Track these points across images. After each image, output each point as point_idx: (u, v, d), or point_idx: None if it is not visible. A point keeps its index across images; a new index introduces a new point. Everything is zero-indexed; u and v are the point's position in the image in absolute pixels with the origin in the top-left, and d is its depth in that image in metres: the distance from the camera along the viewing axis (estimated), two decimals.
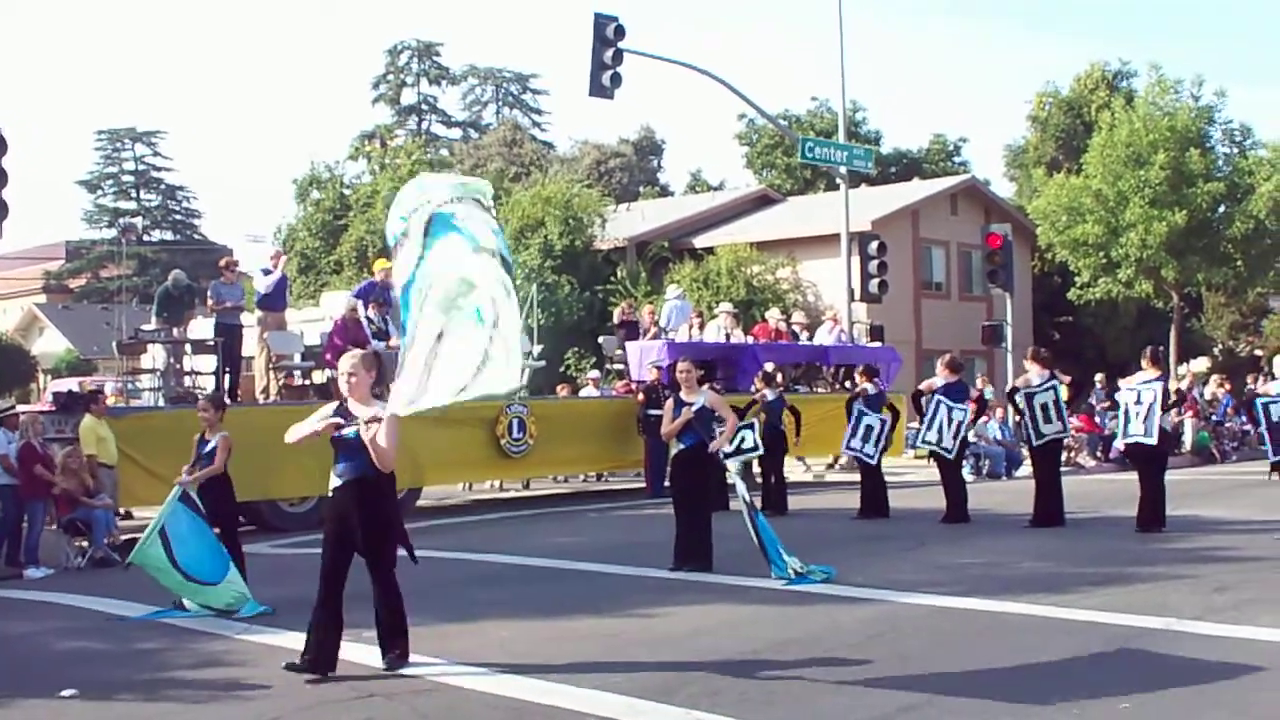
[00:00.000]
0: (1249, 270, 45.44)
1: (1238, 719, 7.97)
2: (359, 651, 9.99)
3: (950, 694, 8.54)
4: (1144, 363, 17.70)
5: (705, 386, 15.57)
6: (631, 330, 27.39)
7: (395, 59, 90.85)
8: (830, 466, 30.38)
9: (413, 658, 9.70)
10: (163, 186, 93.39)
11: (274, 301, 22.44)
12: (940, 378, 19.59)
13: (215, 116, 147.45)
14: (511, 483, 28.16)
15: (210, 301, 21.87)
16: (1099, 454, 31.31)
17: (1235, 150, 45.72)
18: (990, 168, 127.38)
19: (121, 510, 19.52)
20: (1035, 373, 18.35)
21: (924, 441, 19.60)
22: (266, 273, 22.62)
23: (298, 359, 23.36)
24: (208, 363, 21.54)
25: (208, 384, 21.52)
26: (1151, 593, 12.24)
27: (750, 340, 29.06)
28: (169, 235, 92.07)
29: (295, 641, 10.42)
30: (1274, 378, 16.63)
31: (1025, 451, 24.99)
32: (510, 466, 23.84)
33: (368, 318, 21.94)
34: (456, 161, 63.03)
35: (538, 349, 27.79)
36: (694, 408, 14.47)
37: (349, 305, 22.17)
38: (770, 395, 21.63)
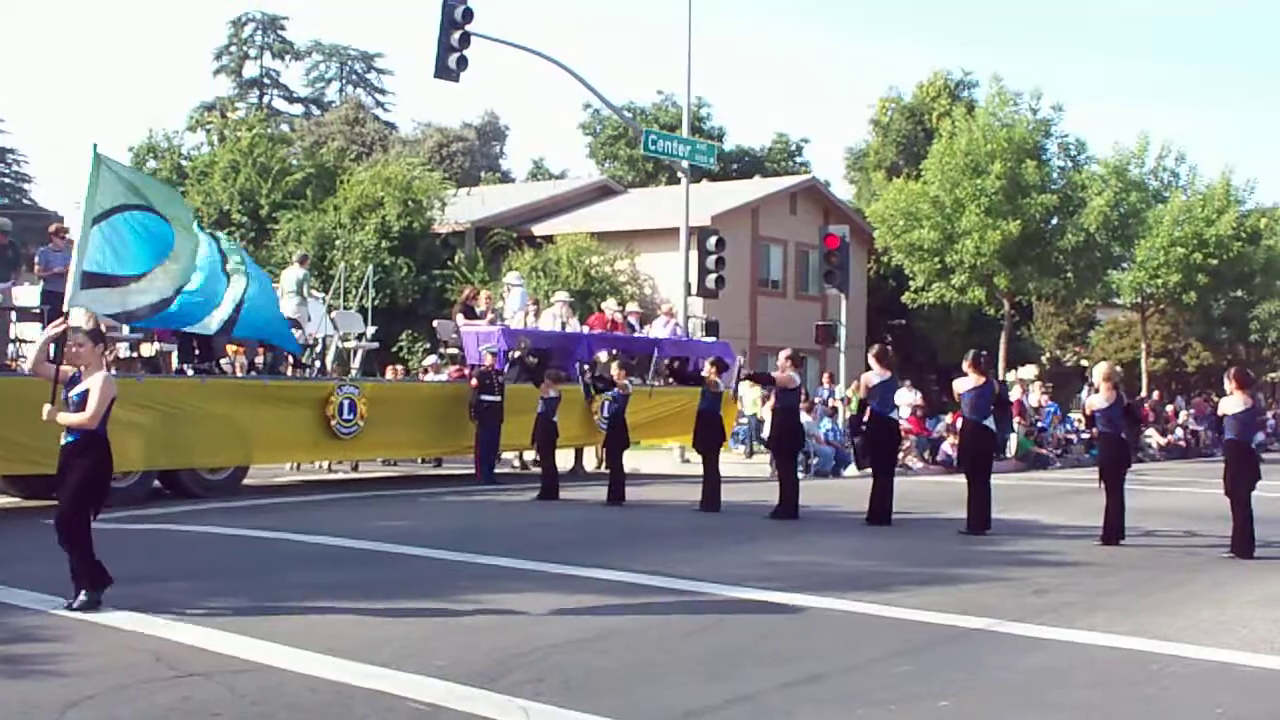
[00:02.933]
0: (1078, 282, 46.45)
1: (1051, 716, 8.10)
2: (179, 630, 9.80)
3: (774, 687, 8.58)
4: (965, 367, 18.00)
5: (101, 371, 10.93)
6: (469, 315, 27.20)
7: (239, 30, 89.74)
8: (685, 460, 30.42)
9: (233, 638, 9.52)
10: None
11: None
12: (876, 373, 19.01)
13: (50, 79, 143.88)
14: (340, 464, 27.85)
15: (38, 267, 21.32)
16: (926, 455, 31.80)
17: (1069, 164, 46.71)
18: (831, 169, 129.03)
19: None
20: (876, 372, 18.51)
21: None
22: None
23: (125, 331, 22.85)
24: (33, 330, 20.96)
25: (31, 352, 20.95)
26: (974, 593, 12.43)
27: (585, 330, 29.08)
28: None
29: (115, 619, 10.18)
30: (1097, 390, 16.87)
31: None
32: (340, 447, 23.47)
33: None
34: (297, 137, 62.14)
35: (371, 330, 27.54)
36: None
37: None
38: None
